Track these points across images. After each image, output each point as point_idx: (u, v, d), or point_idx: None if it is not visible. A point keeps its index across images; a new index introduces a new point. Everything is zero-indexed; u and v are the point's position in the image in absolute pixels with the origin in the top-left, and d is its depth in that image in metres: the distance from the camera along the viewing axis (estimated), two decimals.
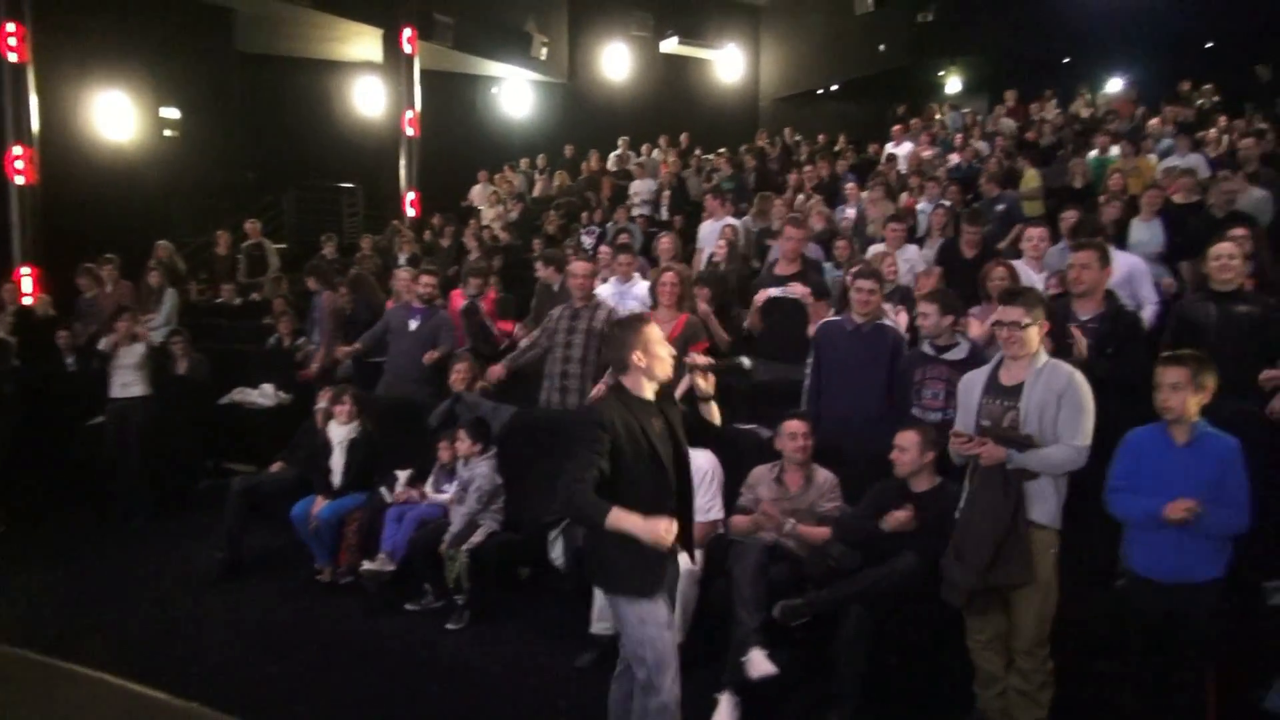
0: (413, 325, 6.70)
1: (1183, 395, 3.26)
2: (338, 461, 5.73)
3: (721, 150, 14.23)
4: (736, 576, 3.99)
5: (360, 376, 7.07)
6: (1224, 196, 6.63)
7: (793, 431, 4.40)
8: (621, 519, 2.89)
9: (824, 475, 4.48)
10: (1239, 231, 5.29)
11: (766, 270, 5.96)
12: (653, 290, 5.83)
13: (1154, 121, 11.08)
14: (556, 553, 4.88)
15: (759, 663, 3.77)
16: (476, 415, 5.61)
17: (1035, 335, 3.53)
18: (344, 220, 15.00)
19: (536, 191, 14.79)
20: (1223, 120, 10.77)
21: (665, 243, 7.39)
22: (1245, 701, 3.49)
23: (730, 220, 8.52)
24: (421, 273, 7.06)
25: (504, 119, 18.57)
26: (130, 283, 9.08)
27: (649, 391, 3.20)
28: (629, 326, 3.23)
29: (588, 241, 9.87)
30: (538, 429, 5.71)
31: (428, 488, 5.57)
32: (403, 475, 5.63)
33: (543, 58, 17.52)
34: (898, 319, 5.47)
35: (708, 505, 4.52)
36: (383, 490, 5.61)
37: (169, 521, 6.84)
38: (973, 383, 3.73)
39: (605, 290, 6.84)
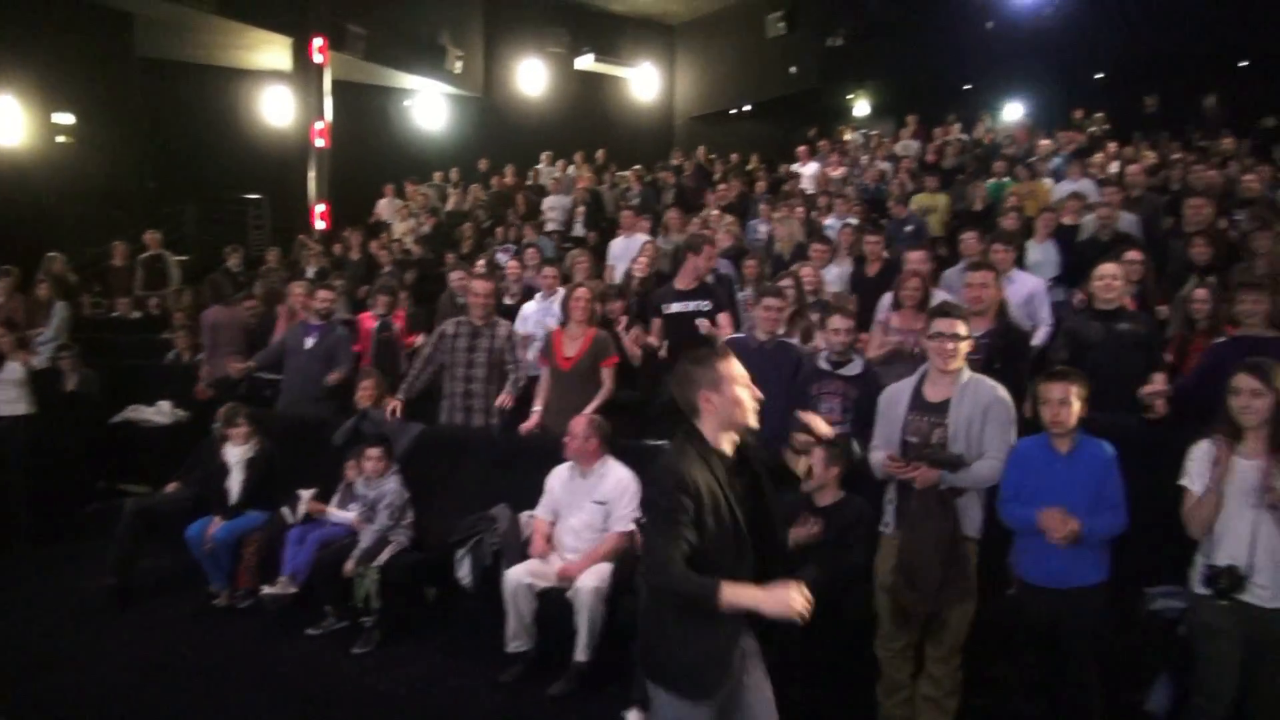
0: (309, 343, 6.49)
1: (1070, 409, 3.43)
2: (235, 481, 5.56)
3: (637, 167, 14.33)
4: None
5: (257, 393, 6.87)
6: (1100, 221, 6.94)
7: None
8: (739, 595, 2.42)
9: None
10: (1132, 255, 5.55)
11: (667, 285, 6.01)
12: (564, 306, 5.84)
13: (1044, 143, 11.54)
14: (463, 572, 4.80)
15: None
16: (382, 432, 5.51)
17: (965, 350, 3.64)
18: (250, 232, 14.61)
19: (450, 205, 14.63)
20: (1112, 147, 11.31)
21: (582, 261, 7.43)
22: (1128, 704, 3.65)
23: (648, 237, 8.59)
24: (318, 287, 6.89)
25: (417, 132, 18.32)
26: (23, 295, 8.64)
27: (726, 442, 2.61)
28: (699, 361, 2.62)
29: (503, 258, 9.81)
30: (444, 447, 5.65)
31: (332, 506, 5.43)
32: (306, 494, 5.46)
33: (457, 71, 17.37)
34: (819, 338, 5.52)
35: (628, 516, 4.56)
36: (285, 510, 5.44)
37: (55, 546, 6.51)
38: (897, 398, 3.78)
39: (530, 308, 6.83)
